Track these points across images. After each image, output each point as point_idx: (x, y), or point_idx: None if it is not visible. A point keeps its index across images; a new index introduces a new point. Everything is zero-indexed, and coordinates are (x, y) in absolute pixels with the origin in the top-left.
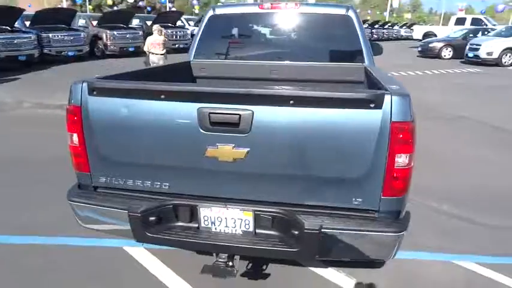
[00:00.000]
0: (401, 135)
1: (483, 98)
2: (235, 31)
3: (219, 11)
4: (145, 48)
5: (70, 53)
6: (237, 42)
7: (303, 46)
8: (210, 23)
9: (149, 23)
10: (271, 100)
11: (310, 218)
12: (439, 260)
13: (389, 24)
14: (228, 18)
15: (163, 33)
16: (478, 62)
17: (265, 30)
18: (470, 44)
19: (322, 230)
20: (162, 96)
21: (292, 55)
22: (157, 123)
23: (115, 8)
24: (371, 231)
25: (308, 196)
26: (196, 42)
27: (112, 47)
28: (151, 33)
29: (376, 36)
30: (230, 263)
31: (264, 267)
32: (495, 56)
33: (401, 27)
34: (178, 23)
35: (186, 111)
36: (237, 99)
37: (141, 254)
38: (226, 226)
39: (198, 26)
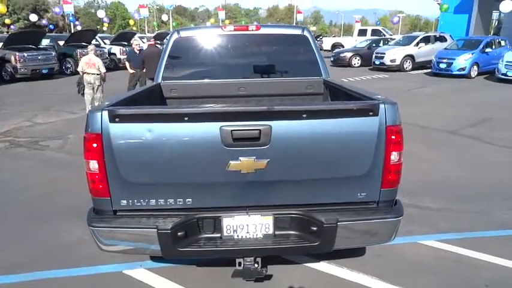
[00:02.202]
0: (393, 136)
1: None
2: (200, 52)
3: (184, 33)
4: (79, 69)
5: None
6: (202, 62)
7: (265, 64)
8: (175, 46)
9: (61, 42)
10: (287, 115)
11: (324, 214)
12: (408, 242)
13: None
14: (192, 40)
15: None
16: (383, 68)
17: (229, 51)
18: (376, 53)
19: (338, 223)
20: (186, 118)
21: (256, 72)
22: (181, 144)
23: (12, 27)
24: (377, 218)
25: (320, 196)
26: (163, 65)
27: (23, 69)
28: (65, 54)
29: None
30: (256, 265)
31: (265, 269)
32: (397, 62)
33: None
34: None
35: (209, 130)
36: (257, 116)
37: (143, 274)
38: (248, 232)
39: (115, 45)
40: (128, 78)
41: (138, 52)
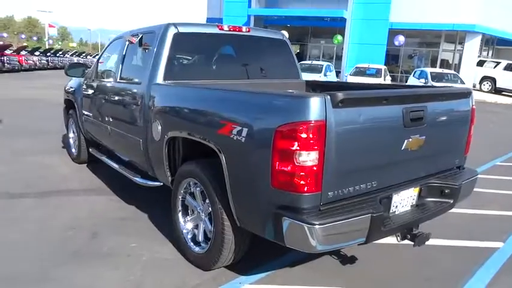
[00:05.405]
0: (473, 114)
1: None
2: (200, 51)
3: (183, 29)
4: None
5: None
6: (203, 62)
7: (259, 65)
8: (175, 42)
9: None
10: (437, 97)
11: (449, 179)
12: None
13: (61, 52)
14: (192, 37)
15: None
16: None
17: (225, 50)
18: None
19: (463, 183)
20: (384, 102)
21: (248, 73)
22: (378, 127)
23: None
24: (473, 177)
25: (442, 164)
26: (164, 63)
27: None
28: None
29: (52, 64)
30: (421, 233)
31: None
32: None
33: (72, 55)
34: None
35: (395, 112)
36: (423, 98)
37: None
38: (403, 206)
39: None
40: None
41: None
